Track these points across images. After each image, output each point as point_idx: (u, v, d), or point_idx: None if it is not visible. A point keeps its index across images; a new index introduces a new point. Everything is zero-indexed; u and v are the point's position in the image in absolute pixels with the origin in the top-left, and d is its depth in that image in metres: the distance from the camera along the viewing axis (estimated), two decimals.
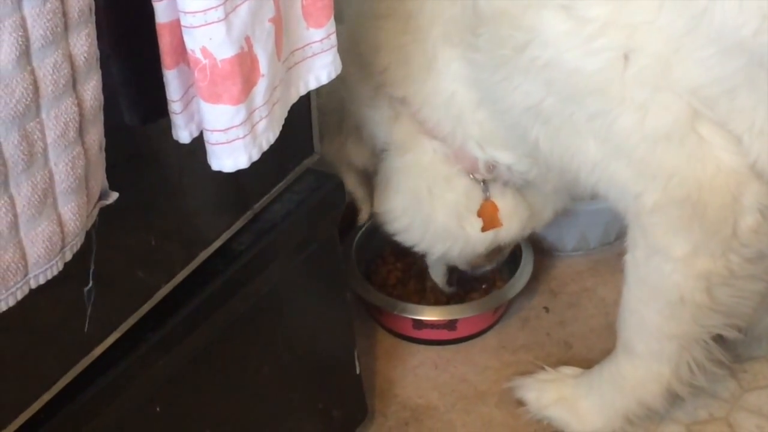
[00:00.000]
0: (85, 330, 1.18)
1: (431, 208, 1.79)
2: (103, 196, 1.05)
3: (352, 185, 1.83)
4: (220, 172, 1.16)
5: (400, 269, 2.06)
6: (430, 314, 1.97)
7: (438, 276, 2.02)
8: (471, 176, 1.78)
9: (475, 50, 1.57)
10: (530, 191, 1.86)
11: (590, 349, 1.97)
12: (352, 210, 1.87)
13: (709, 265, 1.57)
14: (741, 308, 1.64)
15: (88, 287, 1.14)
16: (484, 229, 1.82)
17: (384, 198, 1.82)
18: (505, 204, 1.82)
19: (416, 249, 1.88)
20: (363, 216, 1.86)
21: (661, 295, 1.63)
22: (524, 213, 1.86)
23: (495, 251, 1.97)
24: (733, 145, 1.48)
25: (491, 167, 1.75)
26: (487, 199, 1.80)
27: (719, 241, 1.54)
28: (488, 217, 1.81)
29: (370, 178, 1.85)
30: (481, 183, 1.79)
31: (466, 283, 2.05)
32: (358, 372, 1.73)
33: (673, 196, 1.52)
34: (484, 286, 2.05)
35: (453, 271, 2.02)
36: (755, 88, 1.42)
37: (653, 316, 1.66)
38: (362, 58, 1.70)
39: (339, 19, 1.68)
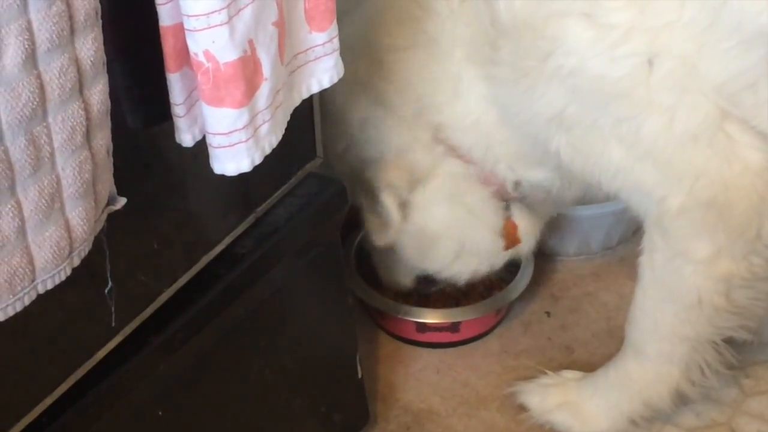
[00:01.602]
0: (113, 324, 1.20)
1: (469, 228, 1.82)
2: (111, 201, 1.05)
3: (390, 206, 1.82)
4: (222, 176, 1.16)
5: None
6: (433, 317, 1.97)
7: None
8: (498, 198, 1.81)
9: (496, 65, 1.57)
10: (540, 204, 1.88)
11: (592, 354, 1.97)
12: (353, 213, 1.87)
13: (731, 267, 1.56)
14: (756, 310, 1.64)
15: (108, 288, 1.15)
16: (506, 248, 1.86)
17: (419, 225, 1.83)
18: (524, 221, 1.86)
19: (441, 274, 1.90)
20: (387, 241, 1.85)
21: (678, 298, 1.62)
22: (539, 227, 1.90)
23: None
24: (760, 142, 1.48)
25: (517, 187, 1.78)
26: (508, 219, 1.84)
27: (743, 243, 1.54)
28: (510, 236, 1.86)
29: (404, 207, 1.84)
30: (504, 202, 1.82)
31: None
32: (360, 376, 1.73)
33: (699, 198, 1.51)
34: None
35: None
36: None
37: (668, 318, 1.66)
38: (395, 91, 1.71)
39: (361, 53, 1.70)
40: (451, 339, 1.98)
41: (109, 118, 0.99)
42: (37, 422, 1.18)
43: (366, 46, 1.70)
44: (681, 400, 1.75)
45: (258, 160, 1.16)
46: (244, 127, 1.12)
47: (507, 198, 1.81)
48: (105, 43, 0.97)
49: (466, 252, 1.85)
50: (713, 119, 1.46)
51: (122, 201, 1.06)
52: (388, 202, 1.79)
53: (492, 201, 1.80)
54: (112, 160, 1.03)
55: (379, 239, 1.85)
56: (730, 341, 1.71)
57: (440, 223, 1.82)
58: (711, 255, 1.56)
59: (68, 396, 1.21)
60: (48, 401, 1.19)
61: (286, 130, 1.24)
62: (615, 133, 1.51)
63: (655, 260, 1.63)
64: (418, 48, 1.67)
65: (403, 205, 1.81)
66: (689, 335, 1.66)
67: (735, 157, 1.49)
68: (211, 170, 1.16)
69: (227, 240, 1.41)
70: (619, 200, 1.67)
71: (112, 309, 1.18)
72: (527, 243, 1.89)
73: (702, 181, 1.50)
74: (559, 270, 2.16)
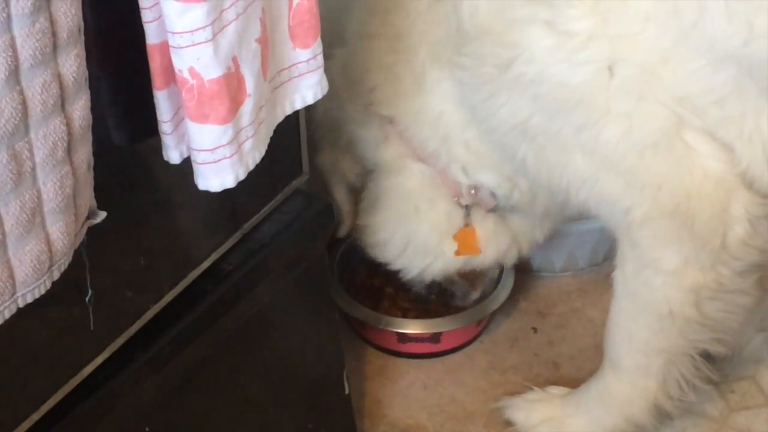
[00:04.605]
0: (91, 328, 1.19)
1: (415, 225, 1.82)
2: (91, 215, 1.05)
3: (341, 198, 1.87)
4: (209, 192, 1.17)
5: (377, 286, 2.07)
6: (414, 327, 1.98)
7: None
8: (455, 200, 1.80)
9: (461, 69, 1.58)
10: (517, 217, 1.87)
11: (579, 370, 1.97)
12: (335, 227, 1.88)
13: (699, 278, 1.57)
14: (729, 323, 1.64)
15: (88, 296, 1.15)
16: (458, 253, 1.85)
17: (369, 213, 1.85)
18: (485, 231, 1.85)
19: (391, 265, 1.90)
20: (344, 229, 1.89)
21: (650, 309, 1.63)
22: (503, 242, 1.88)
23: (478, 278, 2.01)
24: (720, 153, 1.49)
25: (474, 192, 1.78)
26: (467, 225, 1.83)
27: (709, 253, 1.54)
28: (464, 243, 1.84)
29: (358, 194, 1.87)
30: (464, 208, 1.81)
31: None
32: (347, 392, 1.73)
33: (662, 207, 1.52)
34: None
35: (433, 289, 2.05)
36: (743, 96, 1.43)
37: (641, 330, 1.66)
38: (352, 77, 1.72)
39: (342, 42, 1.73)
40: (432, 350, 1.99)
41: (90, 133, 1.00)
42: None
43: (343, 31, 1.73)
44: (661, 415, 1.75)
45: (242, 176, 1.17)
46: (228, 143, 1.12)
47: (466, 203, 1.80)
48: (92, 60, 0.98)
49: (412, 247, 1.85)
50: (671, 127, 1.47)
51: (102, 215, 1.07)
52: (339, 195, 1.83)
53: (444, 202, 1.80)
54: (92, 174, 1.03)
55: (339, 232, 1.88)
56: (708, 357, 1.71)
57: (385, 214, 1.83)
58: (679, 265, 1.56)
59: (55, 412, 1.21)
60: (35, 417, 1.19)
61: (272, 146, 1.25)
62: (577, 142, 1.52)
63: (626, 272, 1.63)
64: (381, 39, 1.68)
65: (355, 194, 1.83)
66: (664, 347, 1.66)
67: (694, 165, 1.49)
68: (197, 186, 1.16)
69: (214, 256, 1.42)
70: (588, 212, 1.66)
71: (90, 313, 1.17)
72: (487, 254, 1.88)
73: (664, 189, 1.51)
74: (546, 286, 2.16)
